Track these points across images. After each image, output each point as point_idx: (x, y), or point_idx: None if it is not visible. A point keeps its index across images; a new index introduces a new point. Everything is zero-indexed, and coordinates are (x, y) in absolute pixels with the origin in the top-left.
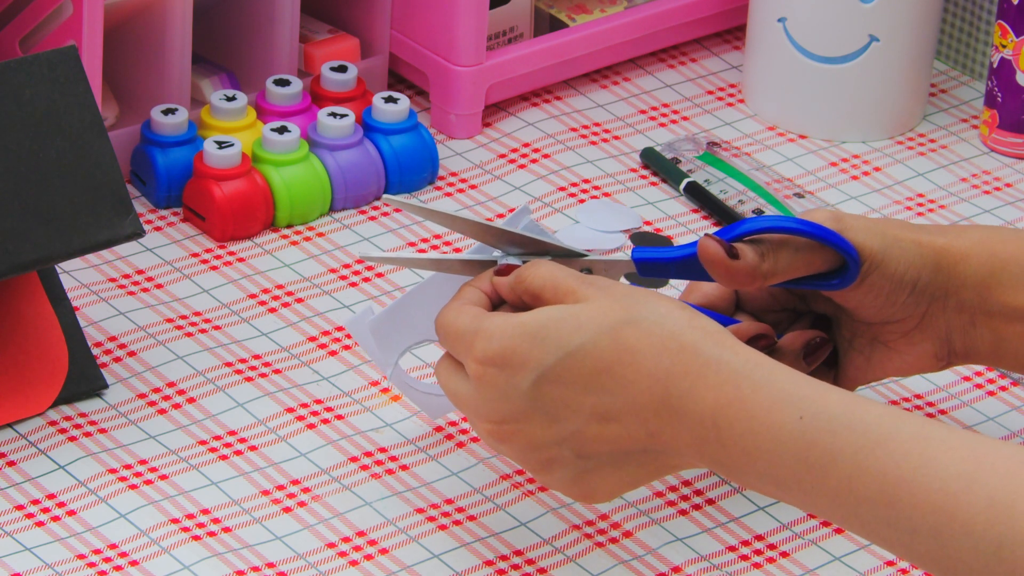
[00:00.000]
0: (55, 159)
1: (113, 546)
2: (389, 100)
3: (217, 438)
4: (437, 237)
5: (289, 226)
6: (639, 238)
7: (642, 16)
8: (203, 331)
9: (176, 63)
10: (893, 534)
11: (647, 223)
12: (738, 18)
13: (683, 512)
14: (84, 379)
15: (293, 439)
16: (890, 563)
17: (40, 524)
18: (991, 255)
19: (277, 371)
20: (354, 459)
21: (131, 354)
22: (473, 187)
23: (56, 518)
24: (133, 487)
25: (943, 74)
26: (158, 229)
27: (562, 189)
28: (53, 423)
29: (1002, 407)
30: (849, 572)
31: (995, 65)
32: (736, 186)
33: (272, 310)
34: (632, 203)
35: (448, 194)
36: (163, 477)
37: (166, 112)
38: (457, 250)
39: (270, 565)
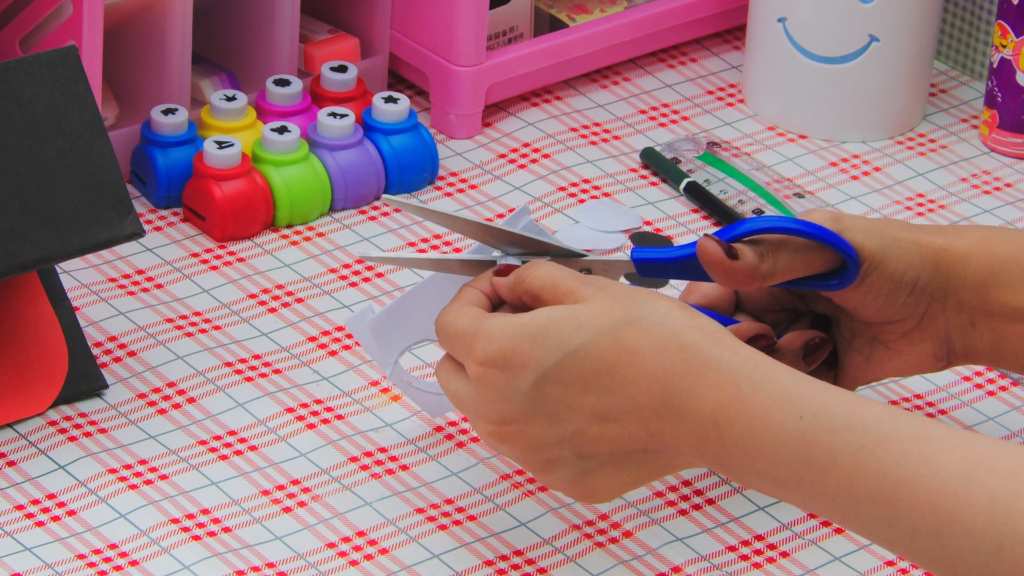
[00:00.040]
0: (55, 159)
1: (113, 546)
2: (389, 100)
3: (217, 438)
4: (437, 237)
5: (289, 226)
6: (639, 238)
7: (642, 16)
8: (203, 331)
9: (176, 63)
10: (893, 534)
11: (647, 223)
12: (738, 18)
13: (683, 512)
14: (84, 379)
15: (293, 439)
16: (890, 563)
17: (40, 524)
18: (991, 255)
19: (277, 371)
20: (354, 459)
21: (131, 354)
22: (473, 187)
23: (56, 518)
24: (133, 487)
25: (943, 74)
26: (158, 229)
27: (562, 189)
28: (53, 423)
29: (1002, 407)
30: (849, 572)
31: (995, 65)
32: (736, 186)
33: (272, 310)
34: (632, 203)
35: (448, 194)
36: (163, 477)
37: (166, 112)
38: (457, 250)
39: (270, 565)
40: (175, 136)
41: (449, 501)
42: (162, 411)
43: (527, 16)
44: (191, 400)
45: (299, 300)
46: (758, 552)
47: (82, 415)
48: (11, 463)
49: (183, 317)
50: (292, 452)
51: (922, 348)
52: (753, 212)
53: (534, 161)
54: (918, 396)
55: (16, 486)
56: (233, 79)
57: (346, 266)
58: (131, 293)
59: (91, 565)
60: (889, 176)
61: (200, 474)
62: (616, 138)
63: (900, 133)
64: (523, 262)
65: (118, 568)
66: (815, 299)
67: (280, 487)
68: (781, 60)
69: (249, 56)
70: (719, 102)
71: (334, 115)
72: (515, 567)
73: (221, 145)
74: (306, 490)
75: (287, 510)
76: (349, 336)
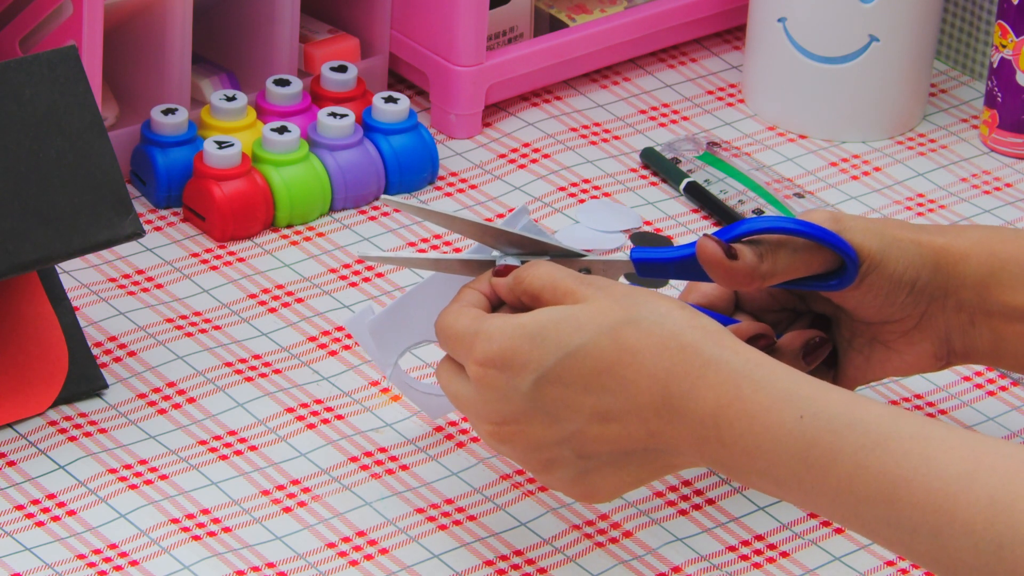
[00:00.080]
0: (55, 159)
1: (113, 546)
2: (389, 100)
3: (217, 438)
4: (437, 237)
5: (289, 226)
6: (639, 238)
7: (642, 16)
8: (203, 331)
9: (176, 63)
10: (893, 533)
11: (647, 223)
12: (738, 18)
13: (683, 512)
14: (84, 379)
15: (293, 439)
16: (890, 563)
17: (40, 524)
18: (991, 255)
19: (277, 371)
20: (354, 459)
21: (131, 354)
22: (473, 187)
23: (56, 518)
24: (133, 487)
25: (943, 74)
26: (158, 229)
27: (562, 189)
28: (53, 423)
29: (1002, 407)
30: (849, 572)
31: (995, 65)
32: (736, 186)
33: (272, 310)
34: (632, 203)
35: (448, 194)
36: (163, 477)
37: (166, 112)
38: (457, 250)
39: (270, 565)
40: (175, 136)
41: (449, 501)
42: (162, 411)
43: (527, 16)
44: (191, 400)
45: (299, 300)
46: (758, 552)
47: (82, 415)
48: (11, 463)
49: (183, 317)
50: (292, 452)
51: (922, 348)
52: (753, 212)
53: (534, 161)
54: (918, 396)
55: (16, 486)
56: (233, 79)
57: (346, 266)
58: (131, 293)
59: (91, 565)
60: (889, 176)
61: (200, 474)
62: (616, 138)
63: (900, 133)
64: (522, 262)
65: (118, 568)
66: (815, 299)
67: (280, 487)
68: (781, 60)
69: (249, 56)
70: (719, 102)
71: (334, 115)
72: (515, 567)
73: (221, 145)
74: (306, 490)
75: (287, 510)
76: (349, 336)
